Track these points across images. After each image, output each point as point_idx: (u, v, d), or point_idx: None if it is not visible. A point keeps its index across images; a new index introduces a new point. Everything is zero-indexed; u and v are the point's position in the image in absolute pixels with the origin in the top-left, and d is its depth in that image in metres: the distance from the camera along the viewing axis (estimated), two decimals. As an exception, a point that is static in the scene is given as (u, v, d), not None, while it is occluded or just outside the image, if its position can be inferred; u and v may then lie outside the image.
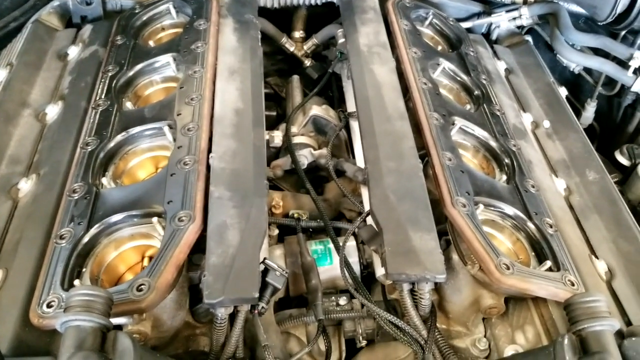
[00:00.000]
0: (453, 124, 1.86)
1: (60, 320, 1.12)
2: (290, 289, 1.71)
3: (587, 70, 2.55)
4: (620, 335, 1.28)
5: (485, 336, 1.66)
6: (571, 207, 1.84)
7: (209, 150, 1.63)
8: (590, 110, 2.54)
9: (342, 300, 1.69)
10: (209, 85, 1.82)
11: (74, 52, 2.12)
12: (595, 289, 1.55)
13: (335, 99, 2.40)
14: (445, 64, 2.10)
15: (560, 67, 2.58)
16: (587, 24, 2.49)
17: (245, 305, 1.38)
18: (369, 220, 1.66)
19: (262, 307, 1.41)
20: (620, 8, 2.00)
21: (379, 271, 1.59)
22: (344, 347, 1.70)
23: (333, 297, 1.70)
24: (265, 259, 1.45)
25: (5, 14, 2.33)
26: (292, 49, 2.58)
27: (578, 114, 2.49)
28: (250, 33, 2.08)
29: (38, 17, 2.27)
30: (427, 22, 2.36)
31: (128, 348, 1.12)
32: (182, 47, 1.97)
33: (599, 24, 2.17)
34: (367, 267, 1.76)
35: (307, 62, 2.61)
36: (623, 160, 2.27)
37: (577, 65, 2.48)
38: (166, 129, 1.71)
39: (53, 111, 1.88)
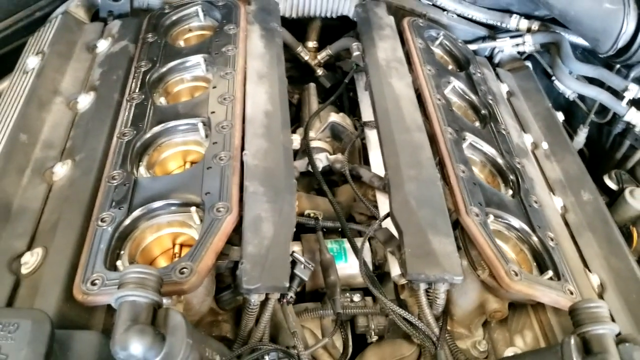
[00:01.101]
0: (464, 139, 1.98)
1: (116, 295, 1.20)
2: (307, 284, 1.80)
3: (581, 97, 2.72)
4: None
5: (484, 339, 1.78)
6: (567, 224, 1.98)
7: (242, 148, 1.73)
8: (582, 136, 2.70)
9: (356, 297, 1.80)
10: (240, 87, 1.92)
11: (103, 45, 2.19)
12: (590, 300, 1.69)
13: (346, 108, 2.52)
14: (456, 83, 2.24)
15: (556, 94, 2.75)
16: (584, 54, 2.66)
17: (275, 294, 1.48)
18: (384, 223, 1.78)
19: (291, 297, 1.52)
20: (621, 43, 2.17)
21: (395, 271, 1.71)
22: (350, 343, 1.80)
23: (347, 294, 1.80)
24: (293, 252, 1.55)
25: (31, 2, 2.39)
26: (306, 57, 2.70)
27: (570, 138, 2.64)
28: (275, 40, 2.19)
29: (67, 8, 2.33)
30: (437, 42, 2.49)
31: (180, 323, 1.21)
32: (213, 49, 2.07)
33: (600, 56, 2.32)
34: (379, 268, 1.87)
35: (320, 72, 2.72)
36: (611, 185, 2.43)
37: (573, 92, 2.65)
38: (200, 125, 1.81)
39: (85, 100, 1.96)
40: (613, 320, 1.66)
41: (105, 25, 2.34)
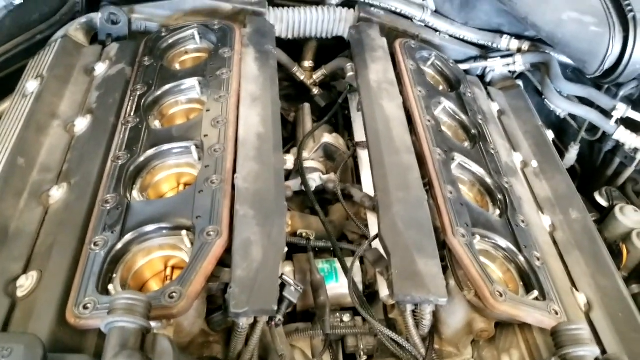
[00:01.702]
0: (453, 159, 2.02)
1: (106, 321, 1.23)
2: (298, 304, 1.83)
3: (572, 115, 2.76)
4: (597, 363, 1.45)
5: (472, 357, 1.81)
6: (555, 243, 2.02)
7: (234, 171, 1.77)
8: (573, 153, 2.74)
9: (346, 317, 1.83)
10: (233, 110, 1.96)
11: (100, 68, 2.23)
12: (576, 319, 1.72)
13: (340, 127, 2.56)
14: (446, 103, 2.27)
15: (547, 111, 2.78)
16: (574, 73, 2.69)
17: (264, 317, 1.52)
18: (375, 243, 1.81)
19: (279, 319, 1.55)
20: (607, 65, 2.20)
21: (383, 292, 1.74)
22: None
23: (337, 314, 1.84)
24: (282, 274, 1.58)
25: (32, 26, 2.44)
26: (302, 77, 2.74)
27: (561, 155, 2.68)
28: (269, 63, 2.23)
29: (66, 32, 2.38)
30: (429, 63, 2.53)
31: (167, 349, 1.25)
32: (208, 73, 2.11)
33: (587, 76, 2.36)
34: (369, 287, 1.91)
35: (315, 91, 2.77)
36: (602, 202, 2.46)
37: (563, 111, 2.68)
38: (193, 148, 1.85)
39: (82, 124, 2.00)
40: (599, 340, 1.70)
41: (104, 48, 2.38)
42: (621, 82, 2.35)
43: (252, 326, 1.52)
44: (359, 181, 2.19)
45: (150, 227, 1.62)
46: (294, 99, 2.84)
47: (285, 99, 2.83)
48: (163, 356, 1.24)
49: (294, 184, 2.15)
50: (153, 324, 1.43)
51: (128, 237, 1.59)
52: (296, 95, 2.85)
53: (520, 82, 2.82)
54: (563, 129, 2.84)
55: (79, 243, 1.61)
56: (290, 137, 2.62)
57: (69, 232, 1.64)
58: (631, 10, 2.13)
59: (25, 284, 1.51)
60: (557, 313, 1.64)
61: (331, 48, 2.80)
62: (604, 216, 2.38)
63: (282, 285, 1.57)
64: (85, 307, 1.40)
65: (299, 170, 2.16)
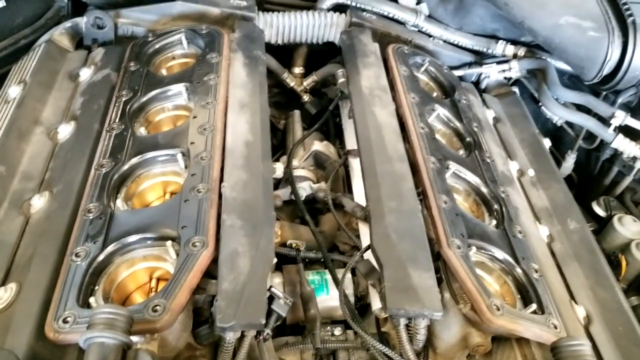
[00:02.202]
0: (447, 168, 1.97)
1: (84, 337, 1.18)
2: (288, 317, 1.78)
3: (569, 123, 2.71)
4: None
5: (468, 373, 1.76)
6: (553, 254, 1.96)
7: (221, 180, 1.71)
8: (570, 162, 2.68)
9: (337, 331, 1.77)
10: (221, 117, 1.90)
11: (85, 74, 2.18)
12: (575, 333, 1.66)
13: (332, 135, 2.51)
14: (440, 110, 2.22)
15: (543, 119, 2.74)
16: (571, 80, 2.65)
17: (252, 331, 1.45)
18: (367, 254, 1.76)
19: (267, 334, 1.49)
20: (606, 71, 2.16)
21: (376, 304, 1.68)
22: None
23: (329, 327, 1.78)
24: (271, 287, 1.52)
25: (16, 30, 2.39)
26: (292, 84, 2.69)
27: (558, 164, 2.62)
28: (258, 69, 2.18)
29: (50, 36, 2.32)
30: (422, 69, 2.48)
31: (148, 365, 1.19)
32: (195, 78, 2.05)
33: (585, 83, 2.32)
34: (361, 300, 1.85)
35: (306, 98, 2.71)
36: (599, 211, 2.41)
37: (560, 118, 2.63)
38: (179, 156, 1.79)
39: (65, 130, 1.94)
40: (599, 354, 1.65)
41: (89, 53, 2.33)
42: (620, 89, 2.30)
43: (240, 340, 1.46)
44: (350, 190, 2.14)
45: (134, 238, 1.56)
46: (283, 106, 2.79)
47: (275, 106, 2.79)
48: (143, 374, 1.18)
49: (284, 193, 2.10)
50: (136, 338, 1.38)
51: (111, 247, 1.53)
52: (286, 102, 2.80)
53: (516, 89, 2.77)
54: (560, 137, 2.80)
55: (60, 254, 1.55)
56: (280, 145, 2.57)
57: (50, 243, 1.58)
58: (630, 15, 2.09)
59: (4, 296, 1.46)
60: (556, 327, 1.59)
61: (322, 54, 2.75)
62: (601, 226, 2.34)
63: (271, 298, 1.51)
64: (65, 321, 1.34)
65: (288, 179, 2.10)
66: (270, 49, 2.56)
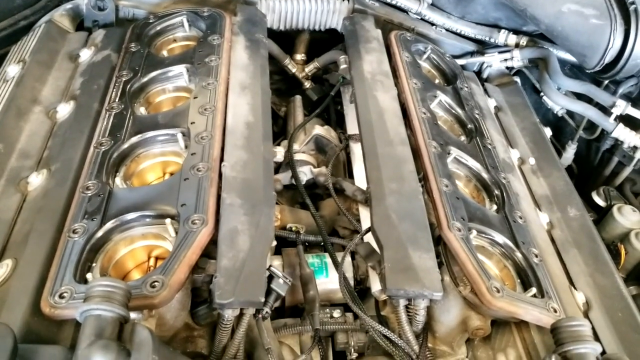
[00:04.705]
0: (449, 153, 1.96)
1: (80, 309, 1.16)
2: (287, 299, 1.77)
3: (569, 113, 2.70)
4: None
5: (467, 357, 1.75)
6: (553, 241, 1.95)
7: (221, 159, 1.70)
8: (570, 152, 2.68)
9: (336, 313, 1.76)
10: (222, 98, 1.89)
11: (85, 54, 2.16)
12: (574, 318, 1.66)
13: (332, 121, 2.50)
14: (442, 97, 2.21)
15: (544, 109, 2.73)
16: (572, 70, 2.65)
17: (250, 309, 1.44)
18: (366, 238, 1.75)
19: (266, 312, 1.48)
20: (608, 59, 2.15)
21: (375, 287, 1.67)
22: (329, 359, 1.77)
23: (327, 310, 1.76)
24: (270, 266, 1.51)
25: (16, 11, 2.38)
26: (293, 70, 2.67)
27: (559, 154, 2.62)
28: (260, 52, 2.17)
29: (51, 17, 2.31)
30: (425, 56, 2.47)
31: (146, 339, 1.17)
32: (196, 60, 2.04)
33: (587, 71, 2.31)
34: (361, 283, 1.84)
35: (307, 84, 2.70)
36: (599, 201, 2.41)
37: (562, 108, 2.63)
38: (179, 135, 1.77)
39: (64, 110, 1.93)
40: (597, 340, 1.64)
41: (90, 34, 2.31)
42: (621, 78, 2.30)
43: (238, 318, 1.44)
44: (351, 175, 2.13)
45: (132, 215, 1.54)
46: (285, 93, 2.77)
47: (276, 93, 2.77)
48: (141, 347, 1.16)
49: (284, 177, 2.09)
50: (134, 315, 1.36)
51: (109, 225, 1.52)
52: (287, 89, 2.79)
53: (517, 79, 2.76)
54: (560, 128, 2.79)
55: (57, 231, 1.53)
56: (280, 132, 2.56)
57: (47, 220, 1.57)
58: (633, 3, 2.08)
59: (1, 272, 1.44)
60: (555, 311, 1.58)
61: (324, 41, 2.73)
62: (601, 216, 2.34)
63: (270, 277, 1.50)
64: (61, 297, 1.33)
65: (289, 163, 2.09)
66: (272, 34, 2.54)
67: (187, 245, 1.43)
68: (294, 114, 2.42)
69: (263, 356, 1.51)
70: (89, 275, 1.42)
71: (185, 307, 1.54)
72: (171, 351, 1.29)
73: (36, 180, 1.70)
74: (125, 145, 1.76)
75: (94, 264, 1.47)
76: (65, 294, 1.33)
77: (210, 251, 1.52)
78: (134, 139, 1.77)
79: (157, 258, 1.61)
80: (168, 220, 1.52)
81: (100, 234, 1.50)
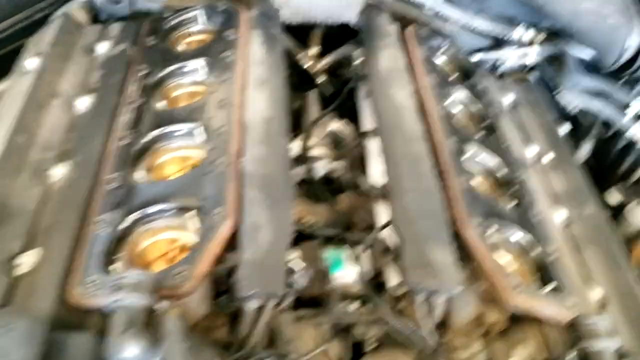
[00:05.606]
0: (466, 149, 1.97)
1: (111, 299, 1.19)
2: (304, 292, 1.77)
3: (583, 112, 2.69)
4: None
5: (483, 351, 1.76)
6: (569, 237, 1.96)
7: (241, 154, 1.71)
8: (585, 149, 2.68)
9: (353, 306, 1.77)
10: (239, 93, 1.90)
11: (102, 48, 2.17)
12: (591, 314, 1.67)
13: (347, 117, 2.49)
14: (458, 93, 2.22)
15: (559, 106, 2.72)
16: (588, 67, 2.63)
17: (271, 300, 1.46)
18: (383, 232, 1.76)
19: (287, 304, 1.50)
20: (625, 57, 2.15)
21: (392, 281, 1.69)
22: (346, 352, 1.78)
23: (344, 303, 1.77)
24: (290, 259, 1.53)
25: (31, 4, 2.38)
26: (307, 64, 2.67)
27: (574, 151, 2.62)
28: (276, 47, 2.17)
29: (66, 10, 2.32)
30: (440, 52, 2.48)
31: (176, 327, 1.20)
32: (213, 54, 2.05)
33: (603, 70, 2.31)
34: (376, 278, 1.85)
35: (321, 79, 2.70)
36: (615, 199, 2.41)
37: (577, 105, 2.62)
38: (198, 130, 1.79)
39: (83, 103, 1.93)
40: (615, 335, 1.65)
41: (105, 28, 2.32)
42: (638, 77, 2.29)
43: (260, 310, 1.47)
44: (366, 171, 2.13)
45: (155, 208, 1.57)
46: (298, 88, 2.76)
47: (289, 88, 2.77)
48: (172, 335, 1.19)
49: (299, 172, 2.10)
50: (160, 305, 1.39)
51: (132, 217, 1.54)
52: (300, 84, 2.78)
53: (532, 76, 2.75)
54: (575, 125, 2.78)
55: (81, 222, 1.56)
56: (293, 127, 2.56)
57: (71, 211, 1.59)
58: (651, 2, 2.09)
59: (27, 261, 1.46)
60: (573, 307, 1.59)
61: (338, 36, 2.72)
62: (617, 213, 2.33)
63: (289, 271, 1.52)
64: (88, 286, 1.36)
65: (304, 158, 2.10)
66: (286, 29, 2.54)
67: (211, 237, 1.46)
68: (309, 110, 2.43)
69: (284, 347, 1.53)
70: (114, 266, 1.44)
71: (207, 297, 1.56)
72: (198, 339, 1.31)
73: (58, 172, 1.71)
74: (146, 139, 1.77)
75: (118, 255, 1.50)
76: (92, 284, 1.36)
77: (230, 243, 1.53)
78: (154, 133, 1.79)
79: (179, 249, 1.62)
80: (190, 214, 1.54)
81: (124, 225, 1.52)
